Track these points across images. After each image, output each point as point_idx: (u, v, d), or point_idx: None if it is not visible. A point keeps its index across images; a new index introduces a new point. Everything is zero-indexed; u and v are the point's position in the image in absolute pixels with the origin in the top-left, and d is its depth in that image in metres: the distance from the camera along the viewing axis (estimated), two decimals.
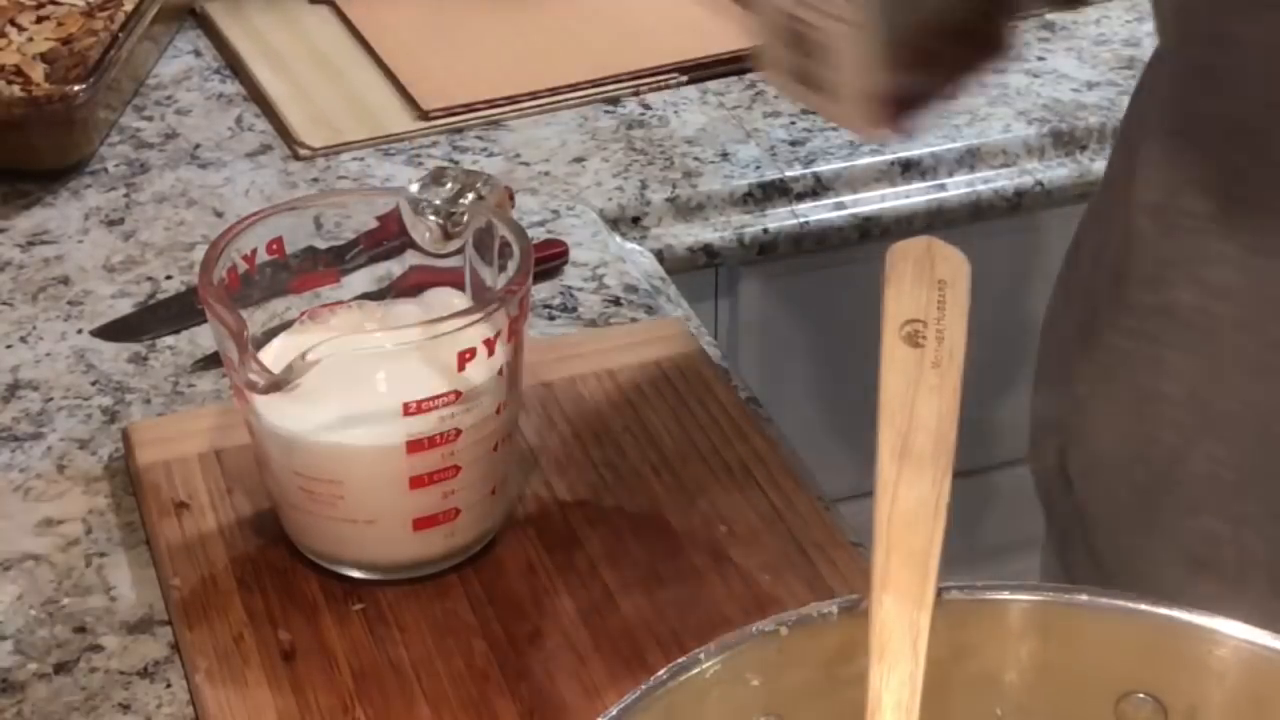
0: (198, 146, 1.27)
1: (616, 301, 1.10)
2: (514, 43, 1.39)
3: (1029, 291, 1.32)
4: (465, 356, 0.82)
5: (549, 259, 1.12)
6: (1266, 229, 0.81)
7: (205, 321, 0.86)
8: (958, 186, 1.28)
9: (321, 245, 0.89)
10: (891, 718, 0.59)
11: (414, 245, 0.89)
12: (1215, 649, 0.64)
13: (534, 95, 1.32)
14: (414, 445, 0.82)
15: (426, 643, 0.83)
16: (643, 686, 0.62)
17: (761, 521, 0.90)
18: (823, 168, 1.26)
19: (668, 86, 1.35)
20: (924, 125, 0.85)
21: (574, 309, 1.10)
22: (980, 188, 1.29)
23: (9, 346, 1.07)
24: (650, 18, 1.41)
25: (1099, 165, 1.24)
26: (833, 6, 0.76)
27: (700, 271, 1.24)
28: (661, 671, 0.63)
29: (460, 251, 0.89)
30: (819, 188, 1.26)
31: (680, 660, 0.63)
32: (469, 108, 1.30)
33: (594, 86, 1.33)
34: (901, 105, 0.79)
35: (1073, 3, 0.98)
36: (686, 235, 1.22)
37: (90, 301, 1.11)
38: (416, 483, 0.83)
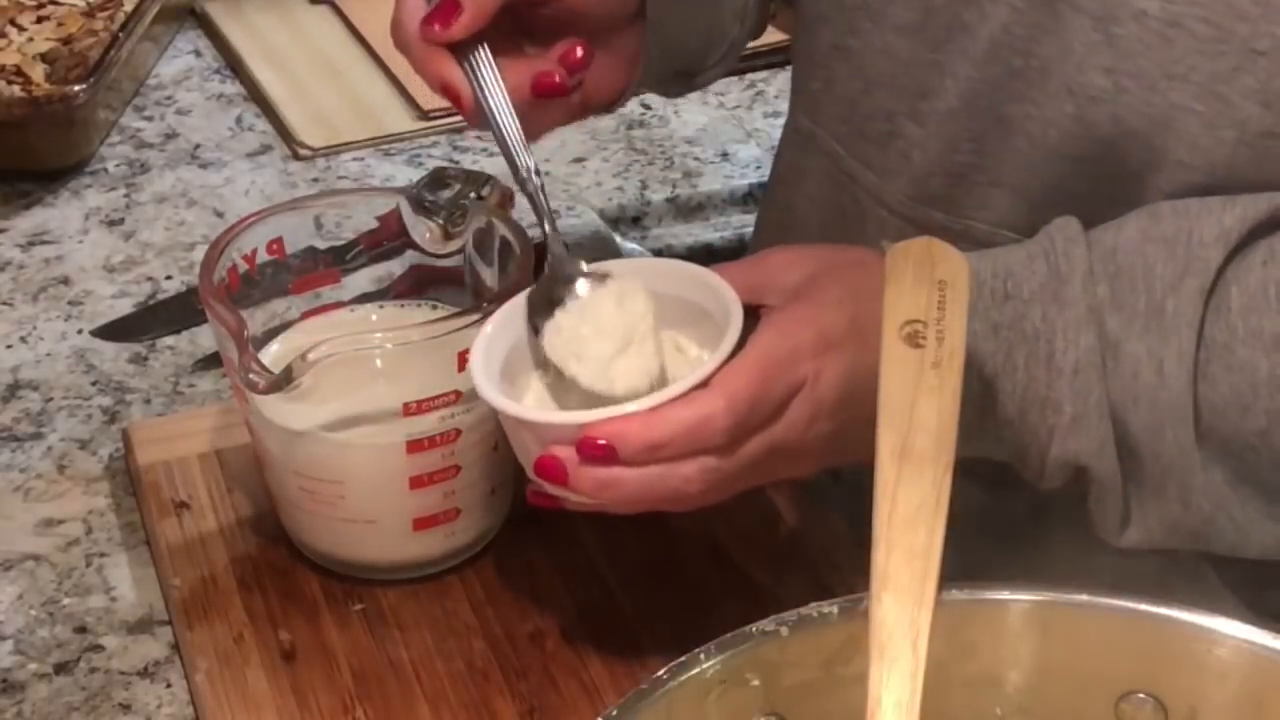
0: (198, 146, 1.27)
1: None
2: None
3: None
4: (465, 356, 0.82)
5: None
6: None
7: (205, 321, 0.86)
8: None
9: (321, 245, 0.89)
10: (891, 717, 0.59)
11: (414, 245, 0.89)
12: (1215, 649, 0.64)
13: None
14: (414, 445, 0.82)
15: (426, 643, 0.83)
16: (643, 686, 0.62)
17: (761, 521, 0.90)
18: None
19: None
20: None
21: None
22: None
23: (9, 346, 1.07)
24: None
25: None
26: None
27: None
28: (661, 671, 0.63)
29: (460, 251, 0.89)
30: None
31: (680, 660, 0.63)
32: None
33: None
34: None
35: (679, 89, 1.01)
36: (686, 235, 1.22)
37: (90, 301, 1.11)
38: (416, 483, 0.83)
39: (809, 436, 0.75)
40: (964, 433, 0.75)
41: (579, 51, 0.83)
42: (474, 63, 0.81)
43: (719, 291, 0.77)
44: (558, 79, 0.82)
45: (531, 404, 0.79)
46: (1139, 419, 0.75)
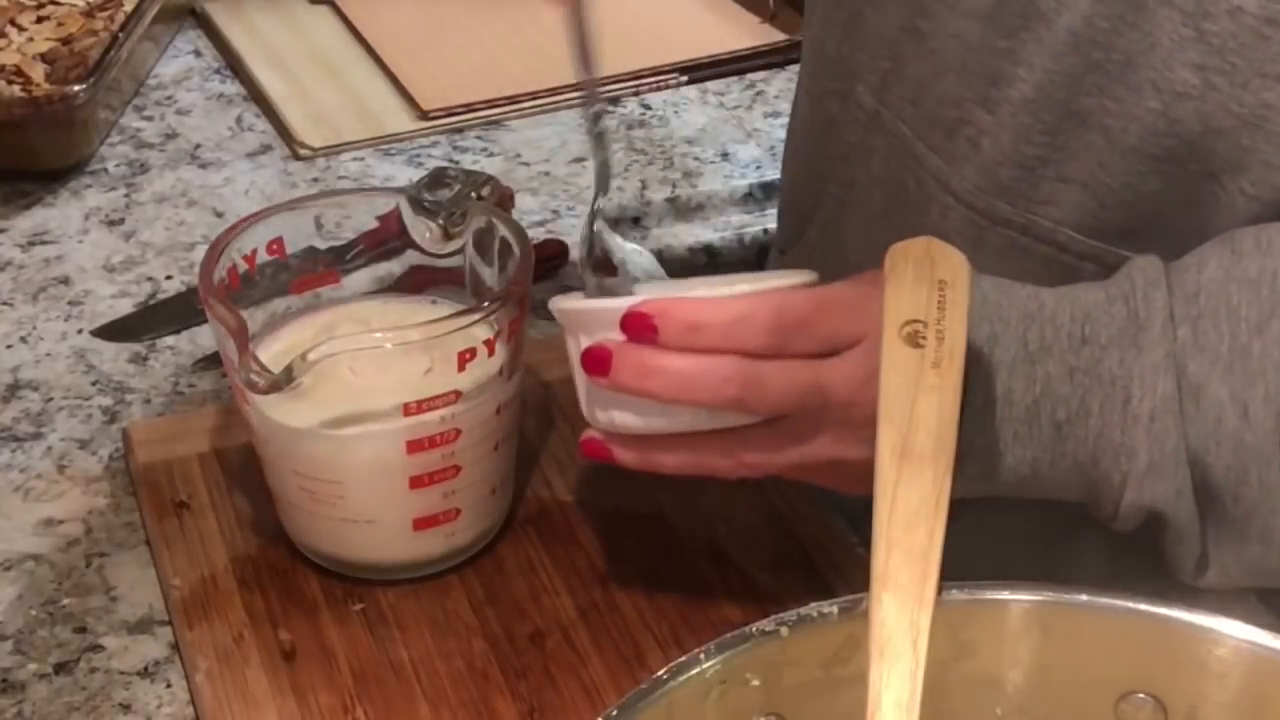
0: (198, 146, 1.27)
1: None
2: (514, 43, 1.38)
3: None
4: (465, 356, 0.82)
5: (549, 259, 1.12)
6: None
7: (205, 321, 0.86)
8: None
9: (321, 245, 0.89)
10: (892, 717, 0.59)
11: (414, 245, 0.89)
12: (1215, 649, 0.64)
13: (534, 95, 1.31)
14: (414, 445, 0.82)
15: (426, 643, 0.83)
16: (643, 686, 0.62)
17: (761, 521, 0.90)
18: None
19: (668, 86, 1.35)
20: None
21: None
22: None
23: (9, 346, 1.07)
24: (650, 18, 1.41)
25: None
26: None
27: (700, 271, 1.24)
28: (661, 671, 0.63)
29: (460, 251, 0.89)
30: None
31: (680, 660, 0.63)
32: (469, 108, 1.30)
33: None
34: None
35: None
36: (686, 235, 1.22)
37: (90, 301, 1.11)
38: (416, 483, 0.83)
39: (863, 398, 0.73)
40: (1035, 476, 0.76)
41: None
42: None
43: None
44: None
45: None
46: (1221, 462, 0.74)
